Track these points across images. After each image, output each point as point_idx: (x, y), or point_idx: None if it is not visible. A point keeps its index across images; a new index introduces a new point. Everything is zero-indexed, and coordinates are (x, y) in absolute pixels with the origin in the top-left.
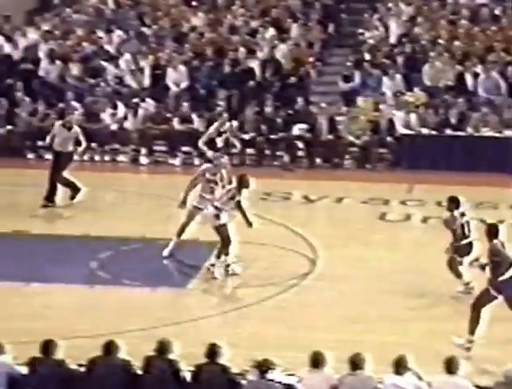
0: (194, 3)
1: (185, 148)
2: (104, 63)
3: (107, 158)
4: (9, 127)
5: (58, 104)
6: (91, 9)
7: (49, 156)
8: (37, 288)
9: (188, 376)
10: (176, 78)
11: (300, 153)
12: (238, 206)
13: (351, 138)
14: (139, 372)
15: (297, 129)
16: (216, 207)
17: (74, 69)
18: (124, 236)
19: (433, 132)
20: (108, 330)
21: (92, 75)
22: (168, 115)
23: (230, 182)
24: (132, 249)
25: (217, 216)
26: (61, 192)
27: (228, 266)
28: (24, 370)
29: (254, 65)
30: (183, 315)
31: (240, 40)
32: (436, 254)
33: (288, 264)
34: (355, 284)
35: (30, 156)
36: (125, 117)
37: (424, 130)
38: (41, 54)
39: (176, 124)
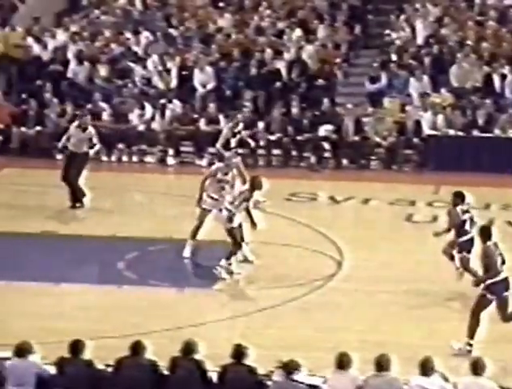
0: (220, 4)
1: (211, 149)
2: (131, 64)
3: (134, 159)
4: (38, 128)
5: (86, 105)
6: (119, 10)
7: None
8: (66, 289)
9: (214, 377)
10: (202, 79)
11: (326, 154)
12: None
13: (377, 139)
14: (166, 372)
15: (323, 130)
16: (229, 210)
17: (102, 70)
18: (151, 236)
19: (460, 133)
20: (135, 330)
21: (120, 76)
22: (195, 116)
23: (244, 182)
24: (159, 249)
25: (230, 219)
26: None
27: (230, 265)
28: (52, 370)
29: (281, 66)
30: (209, 316)
31: (266, 41)
32: None
33: (313, 265)
34: (380, 286)
35: (58, 156)
36: (153, 118)
37: (451, 132)
38: (70, 56)
39: (202, 125)
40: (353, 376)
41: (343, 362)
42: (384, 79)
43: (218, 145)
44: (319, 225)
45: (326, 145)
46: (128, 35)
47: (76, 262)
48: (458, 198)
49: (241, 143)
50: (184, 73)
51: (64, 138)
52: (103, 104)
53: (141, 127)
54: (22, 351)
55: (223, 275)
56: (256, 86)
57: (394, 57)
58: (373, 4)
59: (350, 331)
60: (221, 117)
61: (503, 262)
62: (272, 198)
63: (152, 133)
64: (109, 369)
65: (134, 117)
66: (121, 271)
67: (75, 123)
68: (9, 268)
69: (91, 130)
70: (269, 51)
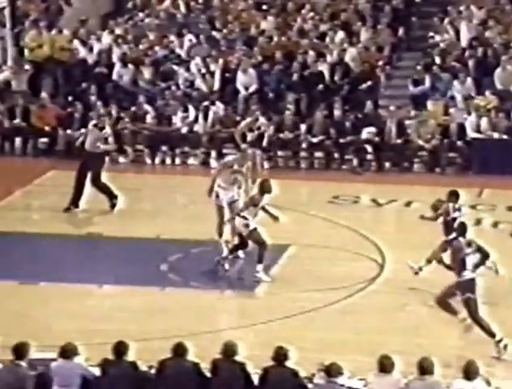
0: (264, 7)
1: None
2: (175, 67)
3: (177, 161)
4: (83, 130)
5: (130, 108)
6: (163, 13)
7: (122, 160)
8: (109, 290)
9: (255, 379)
10: (245, 81)
11: (368, 157)
12: (262, 208)
13: (420, 142)
14: (208, 374)
15: (366, 132)
16: (244, 217)
17: (146, 72)
18: (194, 239)
19: (504, 136)
20: (177, 332)
21: (164, 79)
22: (238, 118)
23: (255, 178)
24: (201, 251)
25: (246, 225)
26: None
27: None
28: (97, 372)
29: (323, 68)
30: (250, 318)
31: (309, 43)
32: (507, 258)
33: (355, 268)
34: (422, 289)
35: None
36: (196, 121)
37: (495, 135)
38: (114, 58)
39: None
40: (395, 379)
41: (385, 365)
42: (428, 82)
43: (236, 136)
44: (361, 228)
45: (369, 148)
46: (172, 37)
47: (120, 264)
48: (452, 196)
49: (260, 139)
50: (227, 75)
51: (81, 137)
52: (147, 107)
53: (184, 129)
54: (67, 352)
55: (265, 279)
56: (298, 88)
57: (437, 60)
58: (416, 6)
59: (392, 333)
60: (264, 120)
61: (477, 263)
62: (314, 201)
63: (195, 135)
64: (152, 371)
65: (177, 119)
66: (164, 273)
67: (92, 122)
68: (54, 270)
69: (107, 129)
70: (312, 53)
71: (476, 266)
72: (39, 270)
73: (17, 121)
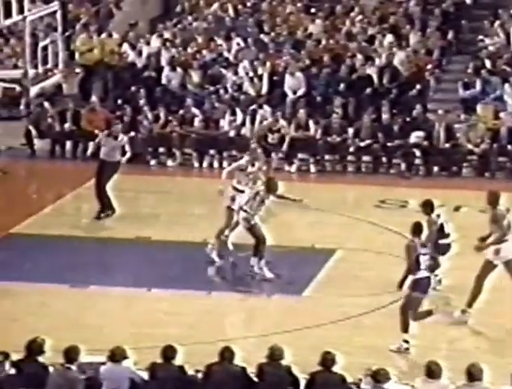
0: (312, 10)
1: (301, 155)
2: (223, 70)
3: (225, 164)
4: (132, 134)
5: (179, 111)
6: (211, 16)
7: (170, 163)
8: (157, 294)
9: (301, 383)
10: (293, 84)
11: (417, 161)
12: (278, 196)
13: (469, 146)
14: (254, 379)
15: (414, 136)
16: (246, 211)
17: (195, 76)
18: (241, 243)
19: None
20: (224, 336)
21: (212, 82)
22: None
23: (255, 182)
24: (249, 255)
25: (247, 220)
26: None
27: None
28: (145, 375)
29: (372, 72)
30: (297, 323)
31: (357, 46)
32: None
33: (402, 273)
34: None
35: (152, 162)
36: (243, 124)
37: None
38: (163, 62)
39: (292, 131)
40: (443, 385)
41: (432, 371)
42: (478, 86)
43: (254, 140)
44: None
45: (417, 152)
46: (220, 41)
47: (167, 268)
48: (428, 206)
49: (281, 142)
50: (274, 79)
51: (93, 145)
52: (195, 110)
53: (231, 133)
54: (116, 356)
55: (268, 276)
56: (346, 92)
57: (487, 64)
58: (466, 9)
59: (440, 339)
60: (311, 123)
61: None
62: (362, 205)
63: (242, 139)
64: (199, 375)
65: (224, 122)
66: (211, 277)
67: (106, 131)
68: (103, 274)
69: (122, 137)
70: (360, 57)
71: (431, 267)
72: (89, 273)
73: (67, 124)
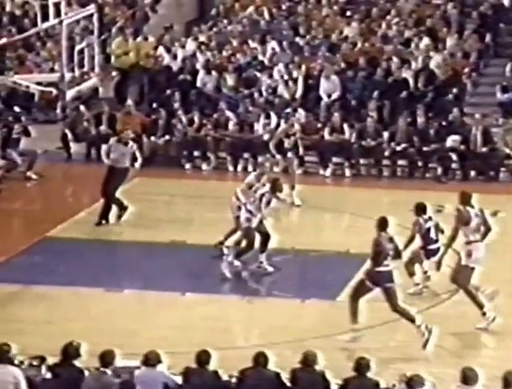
0: (347, 13)
1: (335, 159)
2: (258, 73)
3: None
4: (167, 137)
5: (213, 115)
6: (246, 20)
7: (205, 167)
8: (192, 299)
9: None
10: (328, 88)
11: (453, 165)
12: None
13: (507, 150)
14: (288, 384)
15: (451, 140)
16: (250, 211)
17: (229, 79)
18: (275, 247)
19: None
20: (259, 341)
21: (246, 86)
22: (319, 125)
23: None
24: (283, 260)
25: (248, 220)
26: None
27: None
28: (179, 380)
29: (407, 75)
30: (332, 328)
31: (393, 49)
32: None
33: (441, 277)
34: (509, 298)
35: (187, 166)
36: (278, 127)
37: None
38: (198, 65)
39: (326, 134)
40: None
41: (468, 377)
42: None
43: (271, 145)
44: (445, 237)
45: (453, 156)
46: (255, 44)
47: (202, 272)
48: (419, 209)
49: (296, 146)
50: (309, 82)
51: (103, 152)
52: (229, 114)
53: (266, 137)
54: (150, 360)
55: (269, 270)
56: (382, 95)
57: None
58: (504, 12)
59: (477, 345)
60: (346, 127)
61: (396, 256)
62: (397, 210)
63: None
64: (233, 380)
65: (259, 126)
66: (246, 281)
67: (115, 137)
68: (138, 278)
69: (132, 144)
70: (396, 60)
71: (393, 259)
72: (123, 277)
73: (103, 128)
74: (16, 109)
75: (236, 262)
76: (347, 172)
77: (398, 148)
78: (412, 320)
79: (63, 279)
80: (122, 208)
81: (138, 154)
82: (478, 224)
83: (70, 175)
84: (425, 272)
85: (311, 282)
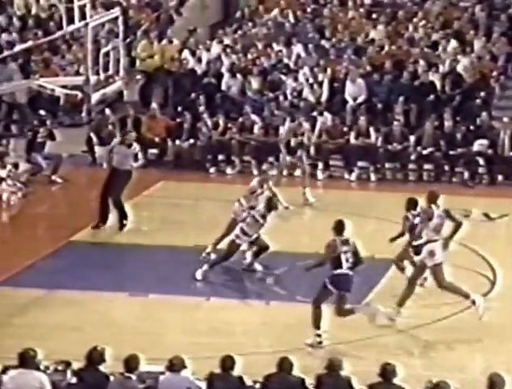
0: (373, 16)
1: (361, 163)
2: (283, 77)
3: (284, 172)
4: (191, 141)
5: (238, 118)
6: (271, 22)
7: (229, 171)
8: (216, 304)
9: None
10: (354, 91)
11: (480, 170)
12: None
13: None
14: None
15: (478, 144)
16: (242, 230)
17: (254, 82)
18: (299, 251)
19: None
20: (283, 347)
21: (271, 89)
22: (345, 129)
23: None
24: (308, 264)
25: (237, 237)
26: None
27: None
28: (203, 386)
29: (434, 78)
30: (357, 333)
31: (420, 52)
32: None
33: (465, 284)
34: None
35: (211, 169)
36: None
37: None
38: (223, 68)
39: (352, 138)
40: None
41: (495, 384)
42: None
43: (281, 145)
44: (472, 243)
45: (481, 160)
46: (280, 47)
47: (226, 277)
48: (410, 204)
49: (302, 146)
50: (335, 85)
51: (105, 155)
52: (254, 117)
53: (292, 140)
54: (174, 365)
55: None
56: (408, 99)
57: None
58: None
59: (502, 352)
60: (372, 131)
61: (355, 262)
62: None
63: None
64: (257, 386)
65: (284, 129)
66: (269, 286)
67: (118, 139)
68: (162, 282)
69: (135, 146)
70: (422, 63)
71: (353, 265)
72: (148, 282)
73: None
74: (41, 112)
75: (259, 267)
76: (373, 176)
77: (425, 152)
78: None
79: (88, 283)
80: (124, 216)
81: (140, 155)
82: (438, 224)
83: (94, 179)
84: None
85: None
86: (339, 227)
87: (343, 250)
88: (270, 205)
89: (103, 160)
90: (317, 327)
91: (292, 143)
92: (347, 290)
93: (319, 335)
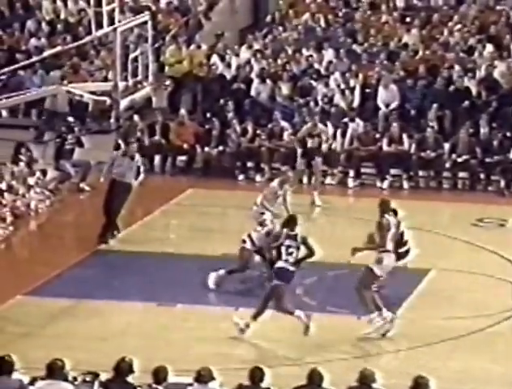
0: (407, 19)
1: (393, 171)
2: (313, 82)
3: (313, 180)
4: (220, 148)
5: (267, 125)
6: (302, 27)
7: (259, 178)
8: (244, 314)
9: None
10: (386, 97)
11: None
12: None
13: None
14: None
15: None
16: (252, 241)
17: (284, 88)
18: (330, 261)
19: None
20: (313, 358)
21: (302, 95)
22: (377, 136)
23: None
24: (338, 275)
25: (261, 224)
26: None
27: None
28: None
29: (470, 84)
30: (389, 346)
31: (455, 57)
32: None
33: (501, 295)
34: None
35: (240, 177)
36: (334, 138)
37: None
38: (253, 74)
39: (384, 145)
40: None
41: (419, 386)
42: None
43: (295, 143)
44: (507, 253)
45: None
46: (310, 52)
47: (254, 287)
48: (381, 207)
49: (319, 145)
50: (367, 91)
51: (106, 166)
52: (284, 123)
53: (322, 147)
54: (202, 377)
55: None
56: (442, 105)
57: None
58: None
59: None
60: (405, 138)
61: (302, 258)
62: (457, 224)
63: (332, 153)
64: None
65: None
66: (299, 296)
67: (120, 151)
68: (190, 291)
69: (138, 158)
70: (457, 68)
71: (298, 260)
72: (176, 291)
73: (156, 138)
74: (70, 118)
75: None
76: (406, 184)
77: (460, 160)
78: (291, 313)
79: (115, 293)
80: (117, 228)
81: (142, 169)
82: (394, 233)
83: None
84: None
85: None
86: (289, 221)
87: (285, 243)
88: (288, 224)
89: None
90: (255, 317)
91: (309, 144)
92: (286, 282)
93: (248, 325)
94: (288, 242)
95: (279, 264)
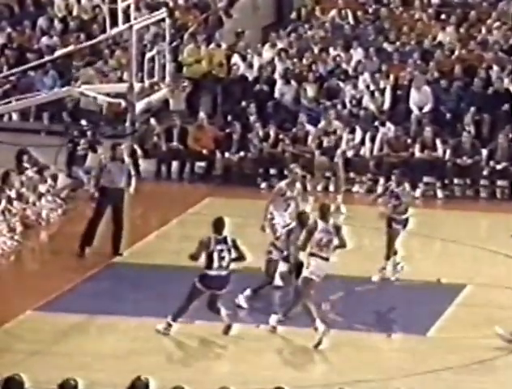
0: (442, 16)
1: (426, 179)
2: (341, 83)
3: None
4: (241, 153)
5: (291, 128)
6: (329, 24)
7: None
8: (266, 331)
9: None
10: (419, 99)
11: None
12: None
13: None
14: None
15: None
16: (274, 245)
17: (309, 89)
18: (357, 275)
19: None
20: (340, 379)
21: (328, 96)
22: (409, 141)
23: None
24: (366, 290)
25: (270, 252)
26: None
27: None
28: None
29: (510, 85)
30: (422, 366)
31: (494, 57)
32: None
33: None
34: None
35: (262, 185)
36: (362, 143)
37: None
38: (276, 74)
39: (417, 151)
40: None
41: None
42: None
43: (311, 142)
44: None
45: None
46: (338, 51)
47: (277, 302)
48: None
49: (336, 146)
50: (398, 93)
51: (94, 172)
52: (309, 127)
53: (349, 153)
54: None
55: (242, 304)
56: (480, 108)
57: None
58: None
59: None
60: (438, 143)
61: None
62: (496, 235)
63: (361, 159)
64: None
65: (342, 141)
66: (325, 312)
67: (108, 155)
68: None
69: (129, 161)
70: (496, 68)
71: (230, 262)
72: (194, 307)
73: (174, 143)
74: (83, 122)
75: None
76: (440, 193)
77: (498, 167)
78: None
79: (130, 308)
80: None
81: (133, 172)
82: (324, 238)
83: (138, 194)
84: (397, 264)
85: (398, 315)
86: (217, 225)
87: (217, 248)
88: (302, 220)
89: (147, 173)
90: (175, 317)
91: (325, 143)
92: (219, 289)
93: (170, 325)
94: (219, 247)
95: (209, 272)
